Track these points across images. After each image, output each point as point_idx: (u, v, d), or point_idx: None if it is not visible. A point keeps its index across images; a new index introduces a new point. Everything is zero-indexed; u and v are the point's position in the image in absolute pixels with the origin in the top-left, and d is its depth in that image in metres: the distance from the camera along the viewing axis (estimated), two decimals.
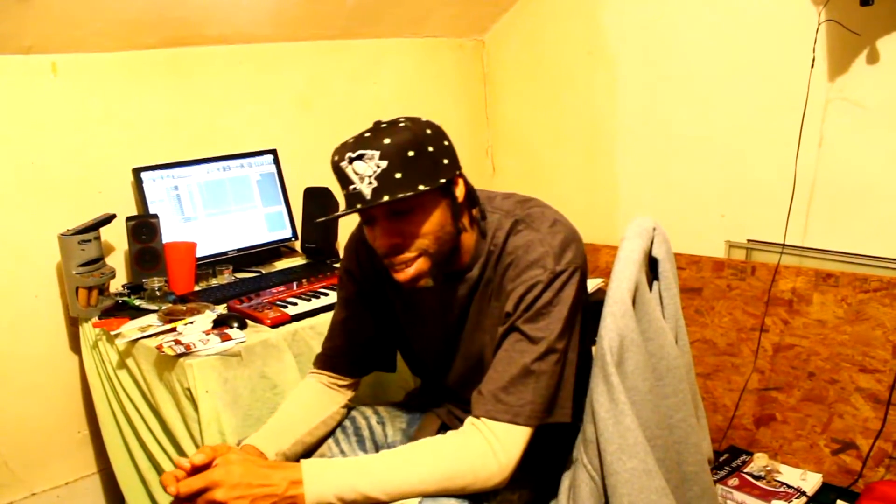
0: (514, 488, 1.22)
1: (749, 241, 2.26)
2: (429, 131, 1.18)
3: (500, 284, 1.24)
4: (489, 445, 1.12)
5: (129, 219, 1.97)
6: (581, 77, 2.60)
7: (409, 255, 1.18)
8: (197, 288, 2.02)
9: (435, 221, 1.18)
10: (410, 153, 1.13)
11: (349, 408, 1.46)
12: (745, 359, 2.22)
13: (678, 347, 1.19)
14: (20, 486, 2.02)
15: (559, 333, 1.16)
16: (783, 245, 2.11)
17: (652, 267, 1.23)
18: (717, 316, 2.27)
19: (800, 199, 2.08)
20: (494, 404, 1.14)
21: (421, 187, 1.13)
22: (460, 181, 1.22)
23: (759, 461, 2.08)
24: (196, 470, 1.11)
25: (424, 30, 2.70)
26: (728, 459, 2.12)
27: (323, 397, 1.42)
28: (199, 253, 2.04)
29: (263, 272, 2.17)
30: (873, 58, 1.90)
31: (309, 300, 1.85)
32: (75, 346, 2.03)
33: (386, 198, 1.12)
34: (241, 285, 2.02)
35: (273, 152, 2.31)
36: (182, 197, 2.11)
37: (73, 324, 2.00)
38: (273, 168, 2.29)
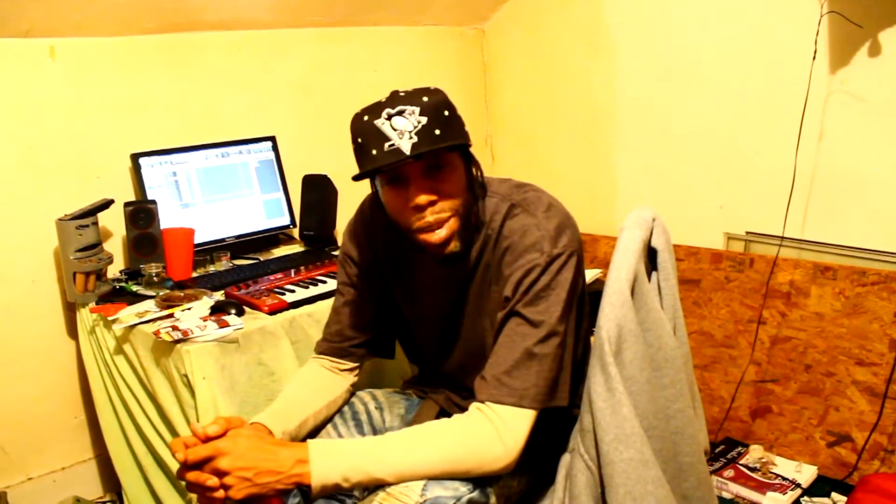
0: (513, 474, 1.22)
1: (748, 233, 2.26)
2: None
3: (498, 269, 1.25)
4: (495, 429, 1.12)
5: (127, 204, 1.96)
6: (581, 67, 2.59)
7: (443, 214, 1.19)
8: (194, 274, 2.02)
9: (463, 182, 1.21)
10: (446, 112, 1.17)
11: (350, 393, 1.47)
12: (742, 351, 2.22)
13: (676, 338, 1.19)
14: (16, 470, 2.03)
15: (559, 317, 1.17)
16: (782, 237, 2.10)
17: (651, 257, 1.22)
18: (714, 308, 2.28)
19: (799, 191, 2.08)
20: (499, 388, 1.15)
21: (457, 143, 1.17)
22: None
23: (755, 453, 2.08)
24: (208, 440, 1.11)
25: (425, 18, 2.68)
26: (724, 451, 2.13)
27: (327, 380, 1.43)
28: (197, 239, 2.04)
29: (261, 259, 2.17)
30: (875, 50, 1.89)
31: (307, 287, 1.85)
32: (72, 331, 2.03)
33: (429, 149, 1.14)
34: (238, 272, 2.02)
35: (272, 139, 2.30)
36: (180, 183, 2.11)
37: (71, 309, 2.00)
38: (272, 155, 2.29)
